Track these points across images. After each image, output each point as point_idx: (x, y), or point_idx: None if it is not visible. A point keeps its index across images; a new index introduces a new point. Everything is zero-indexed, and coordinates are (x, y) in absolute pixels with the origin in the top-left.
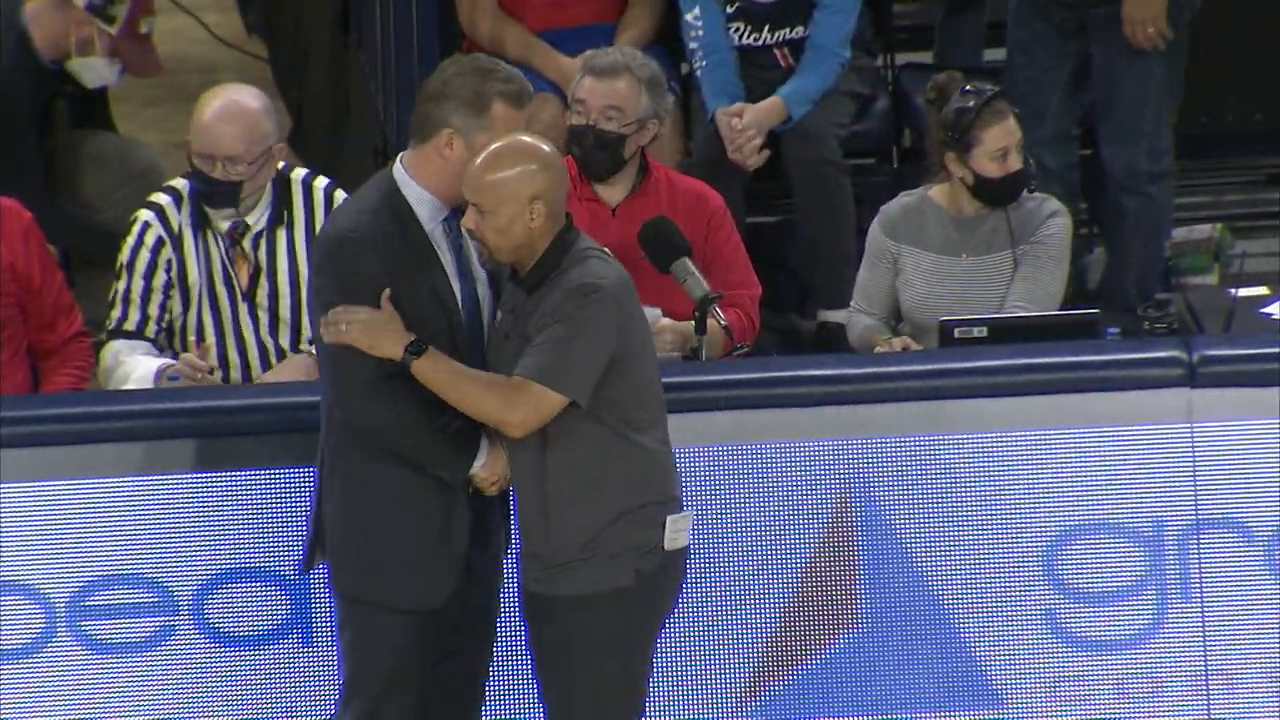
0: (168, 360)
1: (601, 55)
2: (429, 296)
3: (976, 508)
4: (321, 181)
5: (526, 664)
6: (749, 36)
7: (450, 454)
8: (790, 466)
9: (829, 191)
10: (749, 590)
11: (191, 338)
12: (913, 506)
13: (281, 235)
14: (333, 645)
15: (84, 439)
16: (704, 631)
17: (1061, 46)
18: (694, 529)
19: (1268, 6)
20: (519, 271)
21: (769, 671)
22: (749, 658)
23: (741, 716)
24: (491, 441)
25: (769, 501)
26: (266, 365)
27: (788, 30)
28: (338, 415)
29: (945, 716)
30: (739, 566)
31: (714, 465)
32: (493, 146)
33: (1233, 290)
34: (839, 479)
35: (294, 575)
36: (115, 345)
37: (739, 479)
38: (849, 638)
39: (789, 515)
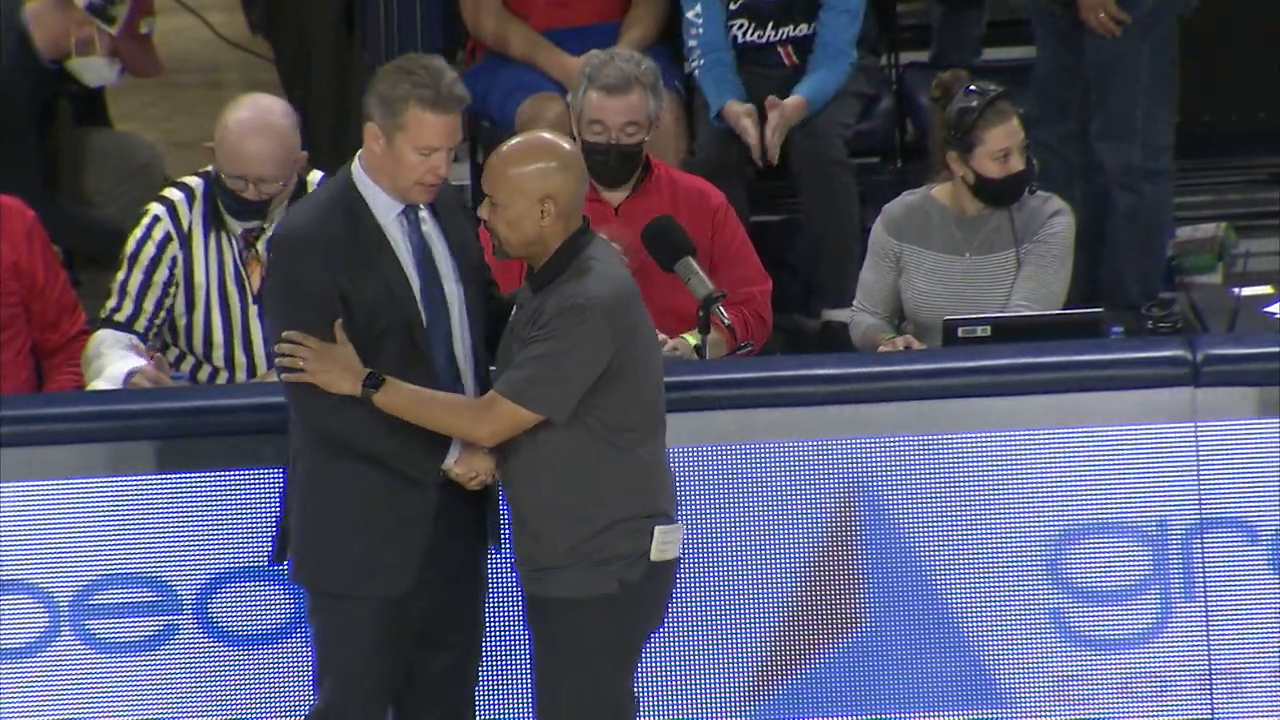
0: (138, 364)
1: (606, 68)
2: (381, 292)
3: (979, 507)
4: None
5: (514, 664)
6: (752, 34)
7: (420, 453)
8: (792, 466)
9: (833, 190)
10: (746, 592)
11: (199, 337)
12: (914, 506)
13: None
14: None
15: (85, 438)
16: (695, 635)
17: (1063, 44)
18: (693, 530)
19: (1269, 4)
20: (532, 268)
21: (772, 672)
22: (745, 663)
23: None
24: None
25: (769, 502)
26: (273, 367)
27: (791, 28)
28: (303, 427)
29: (948, 716)
30: (739, 567)
31: (714, 465)
32: (515, 139)
33: (1237, 289)
34: (841, 478)
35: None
36: (101, 334)
37: (739, 479)
38: (851, 638)
39: (789, 516)
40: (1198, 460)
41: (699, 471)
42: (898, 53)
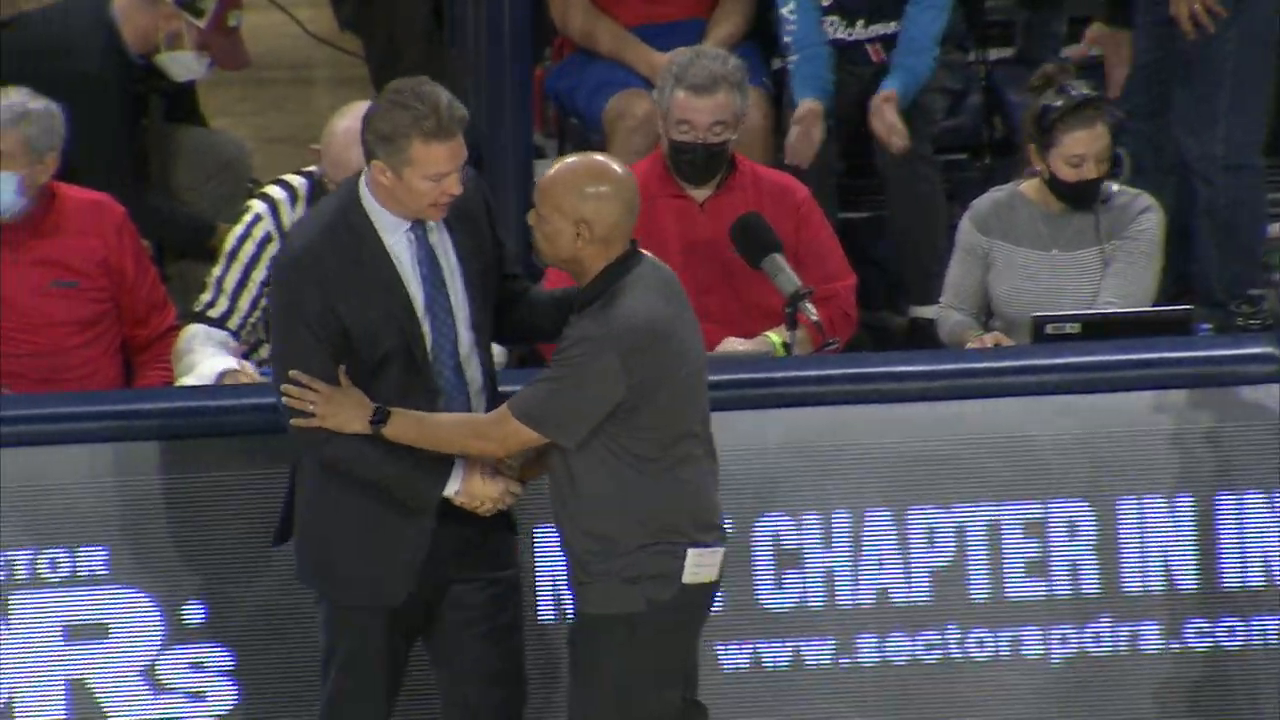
0: (230, 364)
1: (693, 67)
2: (381, 316)
3: (1068, 505)
4: None
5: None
6: (843, 31)
7: (421, 482)
8: (881, 462)
9: (920, 187)
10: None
11: None
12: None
13: None
14: None
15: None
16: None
17: (1161, 35)
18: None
19: None
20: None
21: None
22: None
23: None
24: (469, 466)
25: (859, 496)
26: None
27: (881, 25)
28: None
29: None
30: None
31: (806, 462)
32: (572, 158)
33: None
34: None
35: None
36: (194, 329)
37: (830, 475)
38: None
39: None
40: None
41: (789, 469)
42: (986, 49)
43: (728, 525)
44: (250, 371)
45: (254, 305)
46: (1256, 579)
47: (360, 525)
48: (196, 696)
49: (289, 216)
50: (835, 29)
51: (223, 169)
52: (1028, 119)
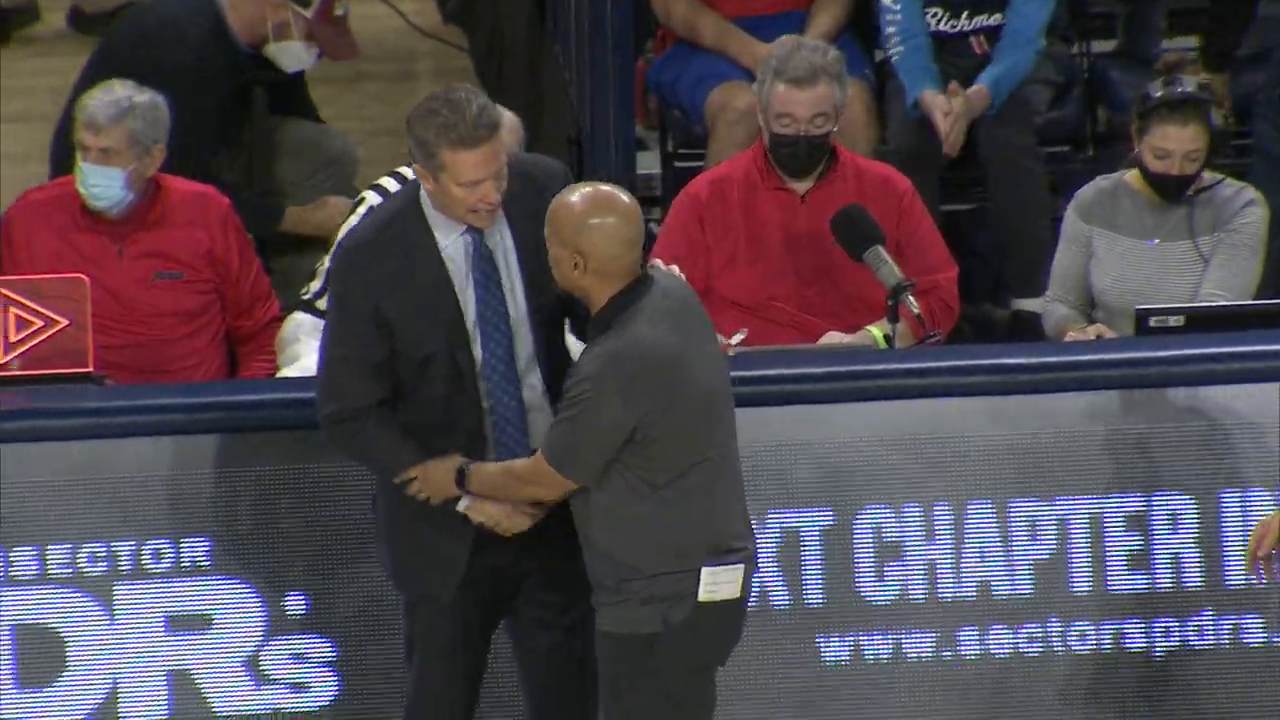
0: None
1: (792, 59)
2: (427, 314)
3: (1171, 497)
4: None
5: None
6: (945, 23)
7: (401, 454)
8: (982, 455)
9: (1023, 179)
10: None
11: None
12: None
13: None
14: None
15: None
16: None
17: None
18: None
19: None
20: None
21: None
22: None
23: None
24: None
25: (960, 489)
26: None
27: (985, 17)
28: None
29: None
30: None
31: (907, 455)
32: (585, 187)
33: None
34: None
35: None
36: (300, 318)
37: (932, 468)
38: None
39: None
40: None
41: (887, 462)
42: (1089, 40)
43: (830, 517)
44: None
45: None
46: None
47: (407, 520)
48: (299, 687)
49: None
50: (938, 20)
51: (329, 164)
52: (1136, 103)
